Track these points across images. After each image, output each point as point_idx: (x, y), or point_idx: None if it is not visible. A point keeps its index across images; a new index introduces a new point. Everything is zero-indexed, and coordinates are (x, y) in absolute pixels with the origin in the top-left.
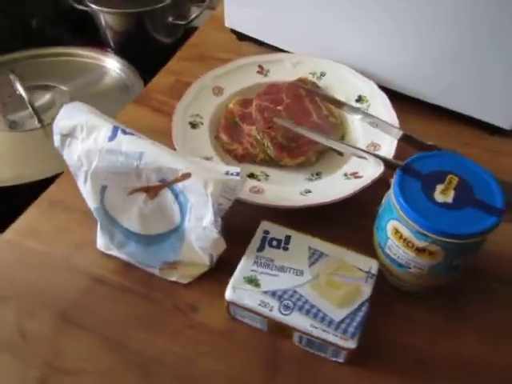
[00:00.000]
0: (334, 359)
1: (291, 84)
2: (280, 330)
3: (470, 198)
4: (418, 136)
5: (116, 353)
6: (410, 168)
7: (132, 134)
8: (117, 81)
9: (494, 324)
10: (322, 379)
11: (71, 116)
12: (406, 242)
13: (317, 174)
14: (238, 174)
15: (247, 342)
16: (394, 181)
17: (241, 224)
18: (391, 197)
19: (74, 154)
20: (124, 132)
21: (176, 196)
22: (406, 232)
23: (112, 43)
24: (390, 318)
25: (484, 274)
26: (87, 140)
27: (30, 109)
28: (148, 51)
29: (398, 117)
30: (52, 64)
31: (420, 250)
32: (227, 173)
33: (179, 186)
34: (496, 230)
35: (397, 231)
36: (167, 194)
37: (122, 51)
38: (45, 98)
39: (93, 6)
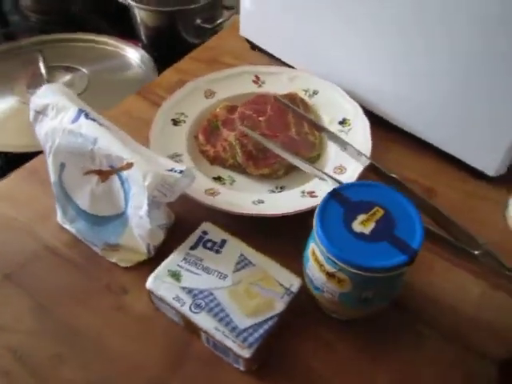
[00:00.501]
0: (236, 366)
1: (278, 97)
2: (191, 328)
3: (388, 233)
4: (389, 163)
5: (42, 316)
6: (340, 194)
7: (94, 120)
8: (135, 72)
9: (408, 369)
10: (221, 381)
11: (46, 95)
12: (320, 265)
13: (281, 188)
14: (181, 172)
15: (162, 333)
16: (319, 205)
17: (192, 222)
18: (314, 222)
19: (42, 130)
20: (86, 116)
21: (122, 183)
22: (319, 255)
23: (144, 37)
24: (307, 341)
25: (414, 316)
26: (55, 119)
27: None
28: (175, 49)
29: (382, 144)
30: (78, 48)
31: (330, 275)
32: (172, 169)
33: (124, 174)
34: (443, 272)
35: (314, 253)
36: (116, 180)
37: (151, 46)
38: (65, 78)
39: (130, 1)
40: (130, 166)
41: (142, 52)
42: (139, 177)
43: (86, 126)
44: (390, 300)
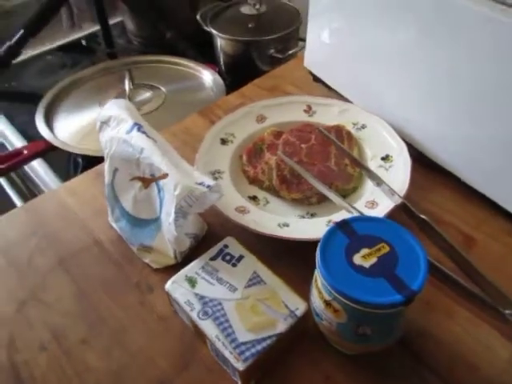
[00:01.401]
0: (234, 379)
1: (322, 129)
2: (199, 333)
3: (388, 270)
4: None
5: (79, 301)
6: (348, 225)
7: (144, 133)
8: (206, 93)
9: None
10: None
11: (111, 109)
12: (319, 292)
13: (311, 215)
14: (208, 187)
15: (176, 334)
16: (324, 233)
17: (222, 234)
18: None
19: (104, 138)
20: (138, 129)
21: (159, 191)
22: (319, 282)
23: (222, 63)
24: (308, 369)
25: (423, 362)
26: (114, 129)
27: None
28: (248, 75)
29: (427, 184)
30: (162, 69)
31: (327, 304)
32: (201, 183)
33: (161, 183)
34: (465, 323)
35: (316, 279)
36: (155, 188)
37: (227, 71)
38: (146, 94)
39: (213, 30)
40: (165, 176)
41: (216, 76)
42: (171, 186)
43: (136, 138)
44: (390, 340)
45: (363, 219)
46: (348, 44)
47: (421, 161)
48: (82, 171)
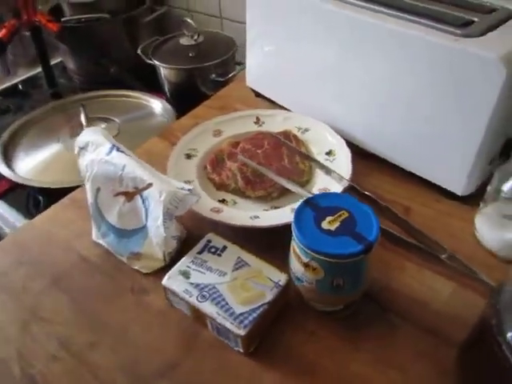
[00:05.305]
0: (236, 349)
1: (273, 134)
2: (199, 318)
3: (350, 229)
4: (372, 187)
5: (78, 312)
6: (311, 202)
7: (122, 152)
8: (158, 120)
9: (381, 354)
10: (223, 363)
11: (88, 135)
12: (297, 258)
13: (275, 208)
14: (189, 190)
15: (176, 324)
16: (295, 209)
17: (199, 235)
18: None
19: (84, 162)
20: (117, 150)
21: (143, 201)
22: (297, 249)
23: (167, 91)
24: (296, 330)
25: (388, 309)
26: (93, 153)
27: None
28: (194, 100)
29: (364, 170)
30: (114, 102)
31: (306, 265)
32: (182, 188)
33: (145, 193)
34: (415, 274)
35: (294, 249)
36: (139, 199)
37: (173, 98)
38: (100, 126)
39: (156, 62)
40: (149, 185)
41: (165, 103)
42: (156, 194)
43: (117, 157)
44: (359, 290)
45: (324, 196)
46: (282, 62)
47: (357, 153)
48: (45, 206)
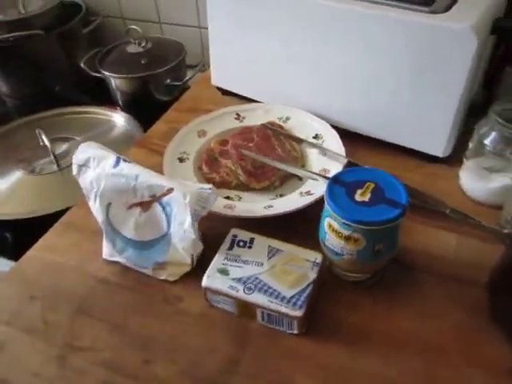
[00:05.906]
0: (289, 331)
1: (261, 126)
2: (246, 311)
3: (382, 198)
4: (361, 163)
5: (119, 333)
6: (338, 179)
7: (130, 162)
8: (122, 132)
9: (420, 307)
10: (282, 348)
11: (85, 151)
12: (337, 233)
13: (280, 195)
14: (210, 189)
15: (221, 323)
16: (326, 189)
17: (217, 235)
18: (325, 201)
19: (87, 180)
20: (125, 160)
21: (163, 208)
22: (335, 225)
23: (120, 102)
24: (338, 304)
25: (411, 268)
26: (97, 168)
27: (52, 156)
28: (150, 107)
29: (350, 149)
30: (71, 120)
31: (347, 238)
32: (202, 188)
33: (165, 199)
34: (424, 233)
35: (330, 226)
36: (157, 207)
37: (128, 108)
38: (63, 147)
39: (105, 72)
40: (170, 190)
41: (125, 114)
42: (180, 197)
43: (127, 168)
44: (393, 252)
45: (346, 172)
46: (251, 55)
47: (340, 133)
48: (16, 239)
